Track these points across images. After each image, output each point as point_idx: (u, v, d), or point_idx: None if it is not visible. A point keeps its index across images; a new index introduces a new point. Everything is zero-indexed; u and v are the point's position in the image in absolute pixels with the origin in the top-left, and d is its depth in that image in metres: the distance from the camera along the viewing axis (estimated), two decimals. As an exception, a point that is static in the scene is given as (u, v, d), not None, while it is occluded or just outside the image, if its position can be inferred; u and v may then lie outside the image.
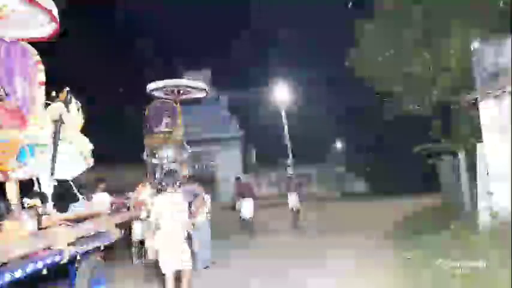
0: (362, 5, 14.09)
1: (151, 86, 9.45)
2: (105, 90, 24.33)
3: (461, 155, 10.39)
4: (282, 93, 24.50)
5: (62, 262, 4.46)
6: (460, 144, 10.21)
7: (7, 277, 3.51)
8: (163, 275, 5.26)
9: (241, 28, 31.51)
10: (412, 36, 10.28)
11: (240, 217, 11.95)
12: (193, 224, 7.24)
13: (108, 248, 6.11)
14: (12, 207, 4.42)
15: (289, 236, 12.03)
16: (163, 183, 5.94)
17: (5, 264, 3.68)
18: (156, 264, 5.61)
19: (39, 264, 4.06)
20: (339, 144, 34.11)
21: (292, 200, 13.30)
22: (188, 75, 27.34)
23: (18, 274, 3.65)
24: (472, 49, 7.89)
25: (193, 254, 7.11)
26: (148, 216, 7.39)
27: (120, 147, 20.57)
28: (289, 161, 24.65)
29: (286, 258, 8.75)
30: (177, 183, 5.93)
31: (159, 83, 9.44)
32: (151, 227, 5.53)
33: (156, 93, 9.69)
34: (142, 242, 8.65)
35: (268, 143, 28.58)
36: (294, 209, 13.25)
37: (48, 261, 4.19)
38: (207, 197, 8.77)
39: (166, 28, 33.97)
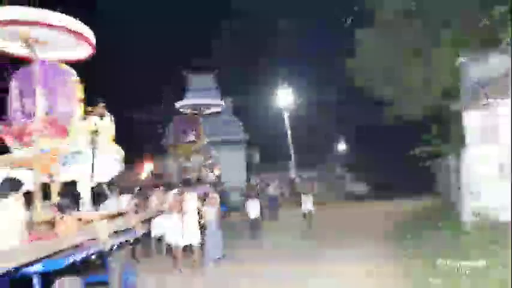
0: (361, 17, 14.92)
1: (179, 104, 11.64)
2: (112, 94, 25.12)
3: (452, 158, 11.19)
4: (284, 97, 25.33)
5: (103, 251, 5.31)
6: (450, 148, 11.02)
7: (70, 259, 4.38)
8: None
9: (245, 33, 32.30)
10: (407, 50, 11.13)
11: (248, 217, 12.69)
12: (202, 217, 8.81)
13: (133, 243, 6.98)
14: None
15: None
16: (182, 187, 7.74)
17: (65, 250, 4.55)
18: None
19: (90, 251, 4.92)
20: (340, 147, 34.90)
21: (307, 203, 13.02)
22: (194, 78, 28.25)
23: (77, 258, 4.52)
24: (459, 63, 8.74)
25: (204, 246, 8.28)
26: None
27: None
28: (292, 163, 25.48)
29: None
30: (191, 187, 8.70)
31: (187, 101, 11.75)
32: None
33: (182, 109, 11.78)
34: (159, 239, 9.54)
35: (271, 145, 29.37)
36: (308, 212, 13.00)
37: (96, 249, 5.05)
38: (216, 196, 9.62)
39: (170, 31, 34.75)
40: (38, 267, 4.25)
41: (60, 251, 4.53)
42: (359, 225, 13.86)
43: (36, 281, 4.35)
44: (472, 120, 8.51)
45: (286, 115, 25.25)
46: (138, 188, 10.06)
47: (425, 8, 10.43)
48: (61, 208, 5.18)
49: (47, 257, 4.28)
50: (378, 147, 26.23)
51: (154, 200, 9.41)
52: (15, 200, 4.50)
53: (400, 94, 12.62)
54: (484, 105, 8.15)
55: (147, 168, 9.92)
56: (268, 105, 27.54)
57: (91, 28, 6.12)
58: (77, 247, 4.82)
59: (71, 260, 4.41)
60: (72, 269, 4.72)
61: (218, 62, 29.69)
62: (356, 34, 13.32)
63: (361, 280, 6.93)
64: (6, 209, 4.35)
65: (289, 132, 24.34)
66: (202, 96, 27.15)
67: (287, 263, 8.66)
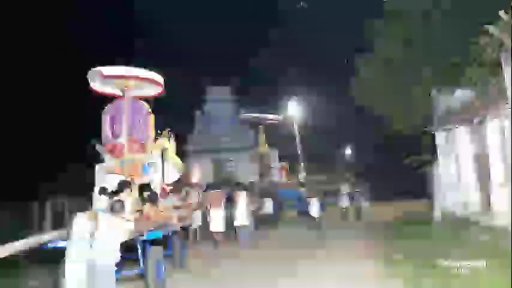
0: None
1: (244, 115, 15.44)
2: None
3: (434, 168, 13.59)
4: (294, 108, 27.81)
5: (175, 230, 7.90)
6: (431, 159, 13.45)
7: (160, 234, 6.94)
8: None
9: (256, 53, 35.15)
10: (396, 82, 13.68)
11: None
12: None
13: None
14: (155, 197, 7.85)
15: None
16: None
17: (156, 227, 7.13)
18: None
19: (168, 230, 7.51)
20: (346, 154, 37.35)
21: (313, 207, 13.51)
22: (213, 90, 30.95)
23: (159, 233, 7.04)
24: (432, 96, 11.23)
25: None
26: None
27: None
28: (301, 168, 27.92)
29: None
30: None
31: (253, 115, 18.04)
32: None
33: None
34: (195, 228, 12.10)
35: (282, 151, 31.83)
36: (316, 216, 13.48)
37: (171, 229, 7.64)
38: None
39: (189, 48, 37.49)
40: (141, 237, 6.82)
41: (154, 228, 7.12)
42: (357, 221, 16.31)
43: (139, 245, 6.92)
44: (440, 139, 10.97)
45: (296, 124, 27.67)
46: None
47: (410, 52, 13.01)
48: (148, 200, 7.77)
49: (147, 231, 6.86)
50: (379, 156, 28.71)
51: (194, 197, 12.01)
52: (127, 195, 7.11)
53: (394, 113, 15.10)
54: (449, 128, 10.59)
55: (197, 171, 12.21)
56: (279, 115, 29.97)
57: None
58: (160, 226, 7.39)
59: (159, 234, 6.98)
60: (158, 241, 7.31)
61: (236, 74, 32.28)
62: (356, 63, 15.85)
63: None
64: (124, 201, 6.95)
65: (299, 140, 26.75)
66: (220, 106, 30.02)
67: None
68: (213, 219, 10.90)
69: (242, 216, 11.70)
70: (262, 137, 19.58)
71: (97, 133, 8.98)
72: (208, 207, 11.10)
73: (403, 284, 6.13)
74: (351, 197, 17.52)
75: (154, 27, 32.40)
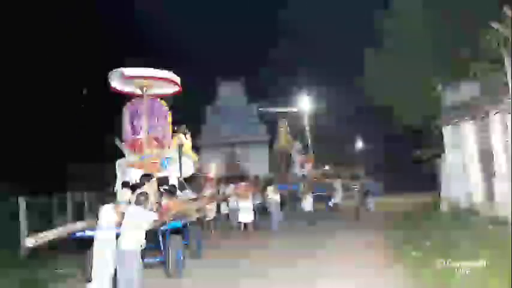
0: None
1: (262, 110, 15.92)
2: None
3: (440, 161, 13.87)
4: (304, 102, 28.11)
5: (193, 221, 8.39)
6: (438, 153, 13.74)
7: (179, 224, 7.42)
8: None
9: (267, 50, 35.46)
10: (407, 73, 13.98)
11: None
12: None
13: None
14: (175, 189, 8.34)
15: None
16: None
17: (173, 218, 7.60)
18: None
19: (185, 220, 7.99)
20: (356, 148, 37.58)
21: (308, 201, 13.70)
22: (224, 84, 31.43)
23: (178, 224, 7.54)
24: (438, 90, 11.52)
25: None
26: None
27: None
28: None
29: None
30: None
31: (270, 109, 19.32)
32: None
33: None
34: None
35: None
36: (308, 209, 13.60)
37: (189, 219, 8.13)
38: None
39: (201, 42, 37.78)
40: (162, 227, 7.29)
41: (173, 218, 7.60)
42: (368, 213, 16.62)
43: (160, 235, 7.39)
44: (447, 133, 11.27)
45: (306, 118, 27.97)
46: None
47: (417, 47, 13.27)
48: (168, 193, 8.25)
49: (167, 221, 7.35)
50: (389, 149, 29.00)
51: (209, 190, 12.47)
52: (150, 187, 7.59)
53: (403, 107, 15.39)
54: (455, 122, 10.88)
55: (210, 165, 12.58)
56: (291, 110, 30.24)
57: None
58: (179, 217, 7.86)
59: (178, 224, 7.47)
60: (177, 231, 7.80)
61: (246, 69, 32.57)
62: (365, 57, 16.13)
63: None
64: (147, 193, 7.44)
65: (309, 134, 27.04)
66: (231, 101, 30.52)
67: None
68: (242, 211, 11.46)
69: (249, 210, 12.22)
70: (282, 131, 19.79)
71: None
72: (237, 199, 11.80)
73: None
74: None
75: (165, 26, 32.62)
